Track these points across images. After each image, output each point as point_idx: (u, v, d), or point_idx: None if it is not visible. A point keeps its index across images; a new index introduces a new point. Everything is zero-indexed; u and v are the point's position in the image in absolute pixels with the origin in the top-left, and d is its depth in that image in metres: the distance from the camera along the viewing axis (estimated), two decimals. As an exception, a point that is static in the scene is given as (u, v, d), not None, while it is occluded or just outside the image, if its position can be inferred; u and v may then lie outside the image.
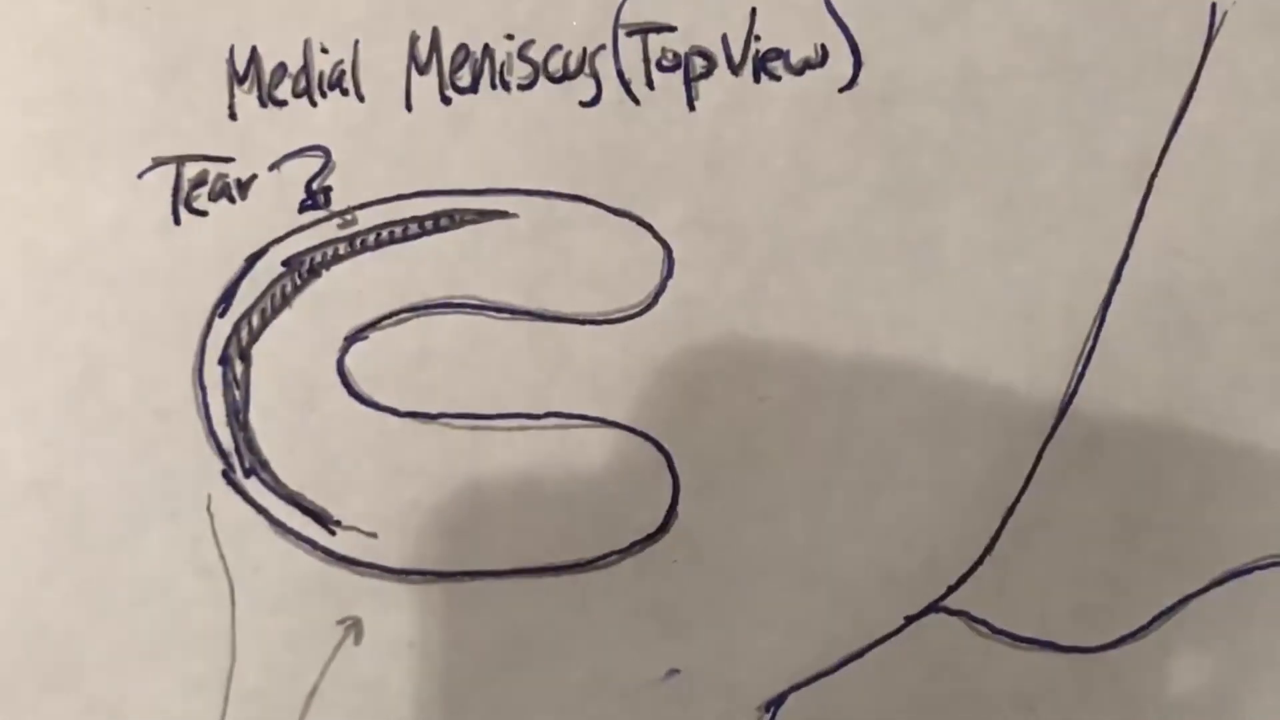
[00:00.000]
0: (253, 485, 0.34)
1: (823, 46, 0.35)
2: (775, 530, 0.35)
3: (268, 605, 0.34)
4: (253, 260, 0.34)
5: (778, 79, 0.35)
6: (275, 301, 0.34)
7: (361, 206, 0.34)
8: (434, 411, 0.34)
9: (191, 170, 0.34)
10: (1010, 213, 0.35)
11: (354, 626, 0.34)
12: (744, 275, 0.35)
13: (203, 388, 0.34)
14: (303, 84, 0.34)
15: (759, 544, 0.35)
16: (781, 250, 0.35)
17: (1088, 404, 0.35)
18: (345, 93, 0.34)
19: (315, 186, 0.34)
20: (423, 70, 0.34)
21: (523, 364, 0.35)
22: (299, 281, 0.34)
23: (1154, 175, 0.35)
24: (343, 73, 0.34)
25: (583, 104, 0.34)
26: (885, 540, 0.35)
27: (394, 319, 0.34)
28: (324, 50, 0.34)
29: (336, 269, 0.34)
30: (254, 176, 0.34)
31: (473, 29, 0.34)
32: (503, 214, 0.34)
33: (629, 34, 0.34)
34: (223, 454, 0.34)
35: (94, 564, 0.34)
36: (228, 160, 0.34)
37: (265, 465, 0.34)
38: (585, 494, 0.35)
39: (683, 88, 0.34)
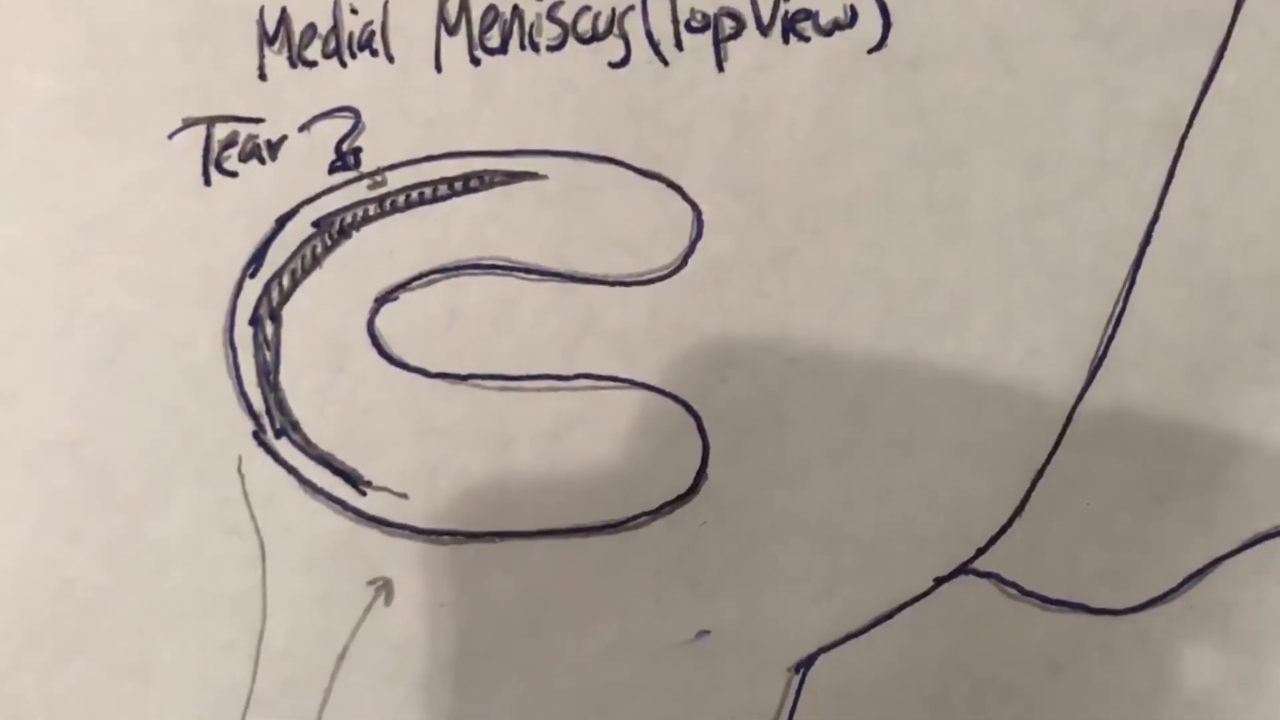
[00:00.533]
0: (283, 446, 0.34)
1: (852, 8, 0.35)
2: (803, 492, 0.35)
3: (298, 566, 0.34)
4: (283, 221, 0.34)
5: (806, 40, 0.35)
6: (305, 262, 0.34)
7: (391, 167, 0.34)
8: (464, 372, 0.34)
9: (222, 131, 0.34)
10: (1039, 174, 0.35)
11: (384, 587, 0.35)
12: (772, 237, 0.35)
13: (233, 348, 0.34)
14: (333, 45, 0.34)
15: (787, 506, 0.35)
16: (809, 212, 0.35)
17: (1117, 365, 0.35)
18: (375, 53, 0.34)
19: (345, 147, 0.34)
20: (452, 31, 0.34)
21: (551, 325, 0.35)
22: (329, 242, 0.34)
23: (1184, 136, 0.35)
24: (372, 33, 0.34)
25: (612, 65, 0.34)
26: (913, 502, 0.35)
27: (424, 280, 0.34)
28: (353, 11, 0.34)
29: (366, 230, 0.34)
30: (284, 137, 0.34)
31: (502, -11, 0.34)
32: (532, 175, 0.34)
33: (658, -6, 0.34)
34: (253, 415, 0.34)
35: (123, 524, 0.34)
36: (258, 121, 0.34)
37: (296, 426, 0.34)
38: (614, 455, 0.35)
39: (711, 49, 0.34)
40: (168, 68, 0.34)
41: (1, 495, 0.34)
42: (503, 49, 0.34)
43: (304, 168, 0.34)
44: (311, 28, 0.34)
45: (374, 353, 0.34)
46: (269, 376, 0.34)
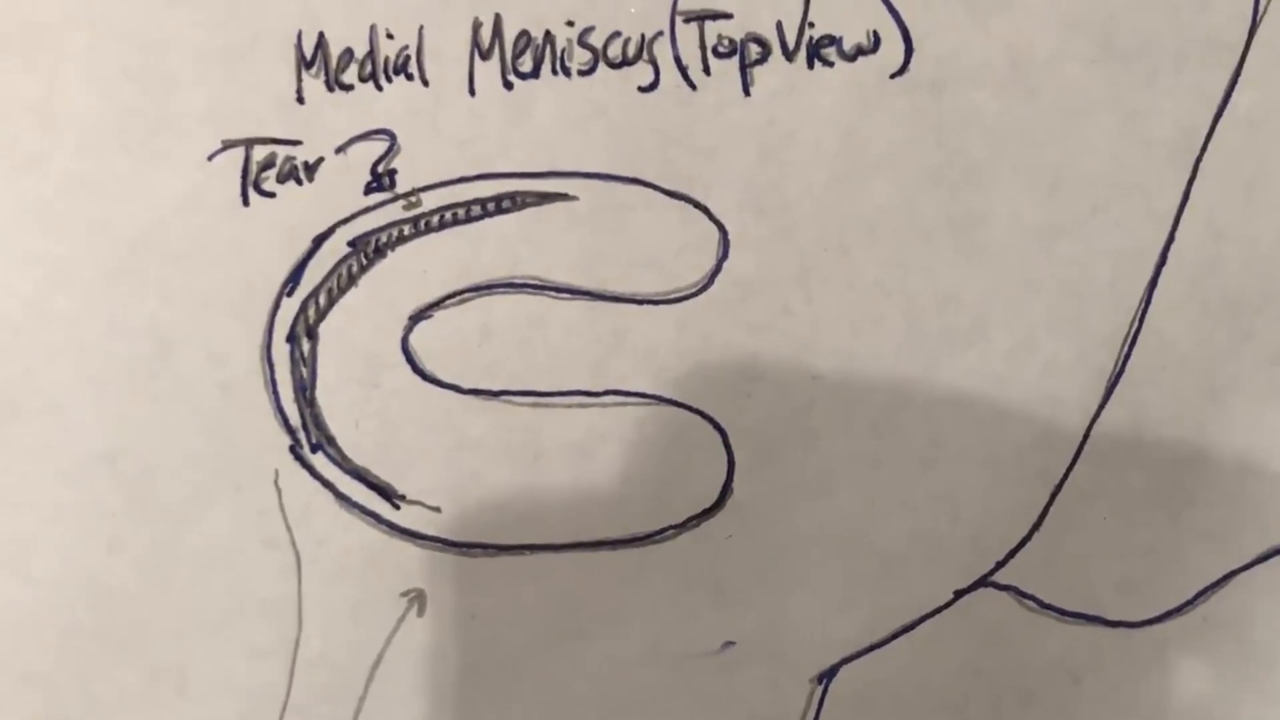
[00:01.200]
0: (319, 460, 0.35)
1: (875, 33, 0.35)
2: (827, 505, 0.36)
3: (333, 577, 0.35)
4: (319, 240, 0.35)
5: (830, 65, 0.35)
6: (341, 281, 0.35)
7: (426, 189, 0.35)
8: (496, 389, 0.35)
9: (260, 153, 0.35)
10: (1057, 194, 0.36)
11: (417, 598, 0.35)
12: (797, 256, 0.36)
13: (270, 364, 0.35)
14: (369, 69, 0.35)
15: (811, 519, 0.36)
16: (833, 231, 0.36)
17: (1133, 381, 0.36)
18: (410, 77, 0.35)
19: (380, 169, 0.35)
20: (485, 55, 0.35)
21: (581, 342, 0.35)
22: (365, 261, 0.35)
23: (1199, 158, 0.36)
24: (407, 58, 0.35)
25: (641, 89, 0.35)
26: (934, 515, 0.36)
27: (457, 298, 0.35)
28: (389, 36, 0.35)
29: (401, 249, 0.35)
30: (321, 159, 0.35)
31: (534, 16, 0.35)
32: (563, 196, 0.35)
33: (686, 21, 0.35)
34: (290, 429, 0.35)
35: (162, 534, 0.35)
36: (295, 143, 0.35)
37: (331, 440, 0.35)
38: (642, 470, 0.35)
39: (738, 73, 0.35)
40: (208, 89, 0.35)
41: (43, 505, 0.34)
42: (535, 73, 0.35)
43: (340, 188, 0.35)
44: (349, 52, 0.35)
45: (408, 369, 0.35)
46: (305, 392, 0.35)
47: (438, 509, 0.35)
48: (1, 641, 0.35)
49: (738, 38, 0.35)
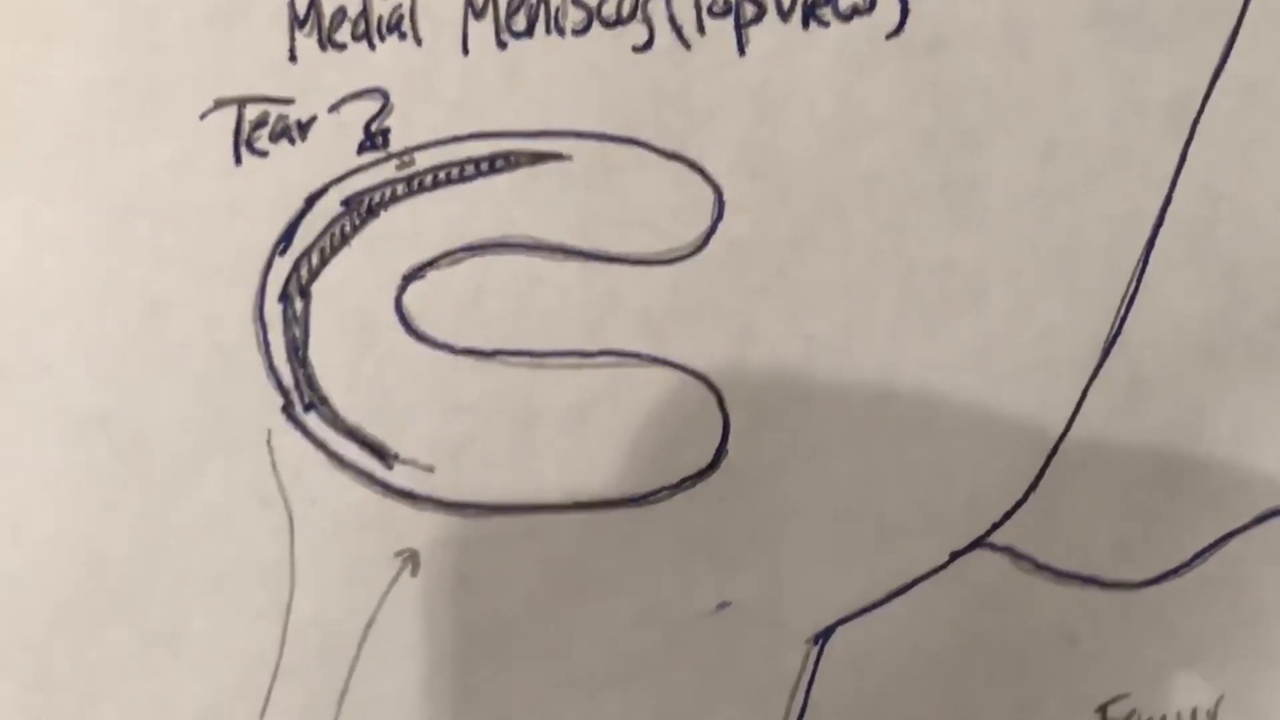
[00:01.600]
0: (312, 420, 0.35)
1: (870, -7, 0.35)
2: (823, 468, 0.35)
3: (326, 538, 0.35)
4: (312, 200, 0.35)
5: (826, 25, 0.35)
6: (334, 240, 0.35)
7: (419, 148, 0.35)
8: (490, 349, 0.35)
9: (252, 112, 0.35)
10: (1054, 157, 0.35)
11: (410, 559, 0.35)
12: (792, 217, 0.35)
13: (263, 324, 0.35)
14: (362, 27, 0.35)
15: (807, 482, 0.36)
16: (829, 193, 0.35)
17: (1130, 345, 0.36)
18: (403, 36, 0.35)
19: (374, 128, 0.35)
20: (479, 15, 0.35)
21: (576, 303, 0.35)
22: (358, 221, 0.35)
23: (1196, 121, 0.36)
24: (401, 17, 0.35)
25: (635, 49, 0.35)
26: (930, 478, 0.35)
27: (450, 258, 0.35)
28: (383, -6, 0.35)
29: (394, 209, 0.35)
30: (314, 118, 0.35)
31: (528, -26, 0.35)
32: (557, 156, 0.35)
33: (681, -21, 0.35)
34: (283, 390, 0.35)
35: (155, 497, 0.35)
36: (288, 102, 0.35)
37: (324, 401, 0.35)
38: (637, 431, 0.35)
39: (733, 33, 0.35)
40: (200, 50, 0.34)
41: (35, 469, 0.34)
42: (529, 32, 0.35)
43: (333, 148, 0.35)
44: (341, 11, 0.35)
45: (401, 329, 0.35)
46: (298, 352, 0.35)
47: (431, 469, 0.35)
48: (-7, 604, 0.34)
49: (733, -3, 0.35)
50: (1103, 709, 0.36)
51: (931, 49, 0.35)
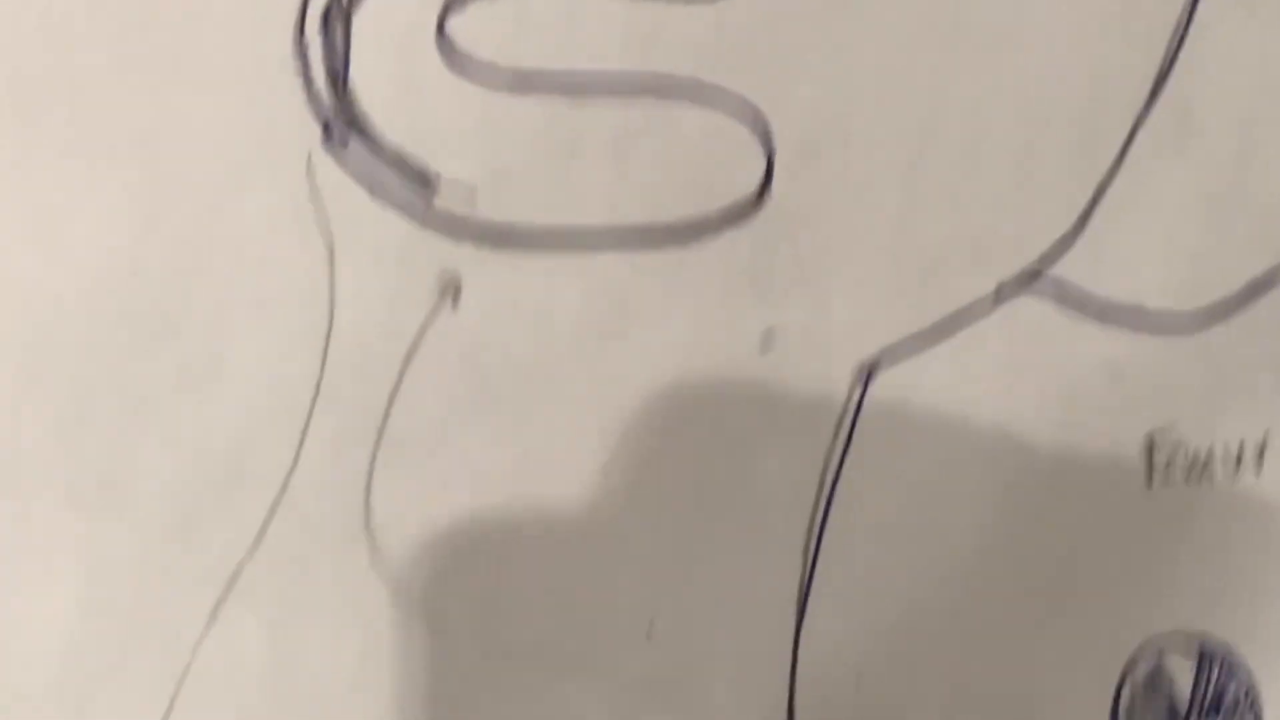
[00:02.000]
0: (352, 147, 0.34)
1: None
2: (868, 202, 0.35)
3: (366, 265, 0.35)
4: (354, -78, 0.34)
5: None
6: (376, -36, 0.34)
7: None
8: (532, 79, 0.35)
9: None
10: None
11: (450, 289, 0.35)
12: (839, -48, 0.35)
13: (304, 51, 0.34)
14: None
15: (853, 216, 0.35)
16: (877, -76, 0.35)
17: (1181, 82, 0.35)
18: None
19: None
20: None
21: (620, 36, 0.35)
22: (400, -56, 0.34)
23: None
24: None
25: None
26: (977, 213, 0.35)
27: (493, -15, 0.34)
28: None
29: (437, -66, 0.34)
30: None
31: None
32: (603, -117, 0.34)
33: None
34: (322, 116, 0.34)
35: (194, 218, 0.34)
36: None
37: (365, 127, 0.34)
38: (682, 164, 0.35)
39: None
40: None
41: (72, 186, 0.34)
42: None
43: None
44: None
45: (442, 57, 0.34)
46: (339, 80, 0.34)
47: (473, 198, 0.35)
48: (28, 325, 0.34)
49: None
50: (1150, 439, 0.36)
51: None
